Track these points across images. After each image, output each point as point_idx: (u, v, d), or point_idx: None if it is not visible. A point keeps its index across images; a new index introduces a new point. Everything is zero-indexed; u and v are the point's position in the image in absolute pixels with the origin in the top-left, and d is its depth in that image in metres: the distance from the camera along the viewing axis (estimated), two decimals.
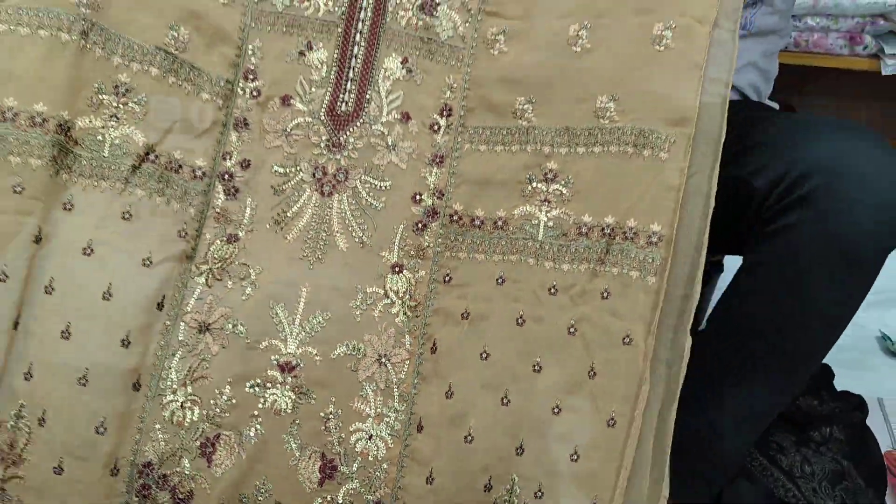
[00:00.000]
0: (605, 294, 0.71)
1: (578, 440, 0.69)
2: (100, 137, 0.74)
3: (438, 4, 0.78)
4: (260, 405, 0.72)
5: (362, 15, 0.78)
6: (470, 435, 0.71)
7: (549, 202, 0.75)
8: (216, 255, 0.75)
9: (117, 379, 0.71)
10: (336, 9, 0.78)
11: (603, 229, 0.72)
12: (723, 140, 0.70)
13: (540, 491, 0.69)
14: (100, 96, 0.74)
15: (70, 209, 0.72)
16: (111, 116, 0.74)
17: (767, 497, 0.94)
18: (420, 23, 0.78)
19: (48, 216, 0.71)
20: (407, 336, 0.75)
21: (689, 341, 0.68)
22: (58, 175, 0.72)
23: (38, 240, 0.70)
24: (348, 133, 0.78)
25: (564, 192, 0.74)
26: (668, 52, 0.71)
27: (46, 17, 0.71)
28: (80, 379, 0.69)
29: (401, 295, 0.76)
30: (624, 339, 0.69)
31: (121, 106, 0.75)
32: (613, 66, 0.74)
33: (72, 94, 0.72)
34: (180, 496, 0.69)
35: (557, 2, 0.76)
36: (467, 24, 0.78)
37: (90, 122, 0.74)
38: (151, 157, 0.75)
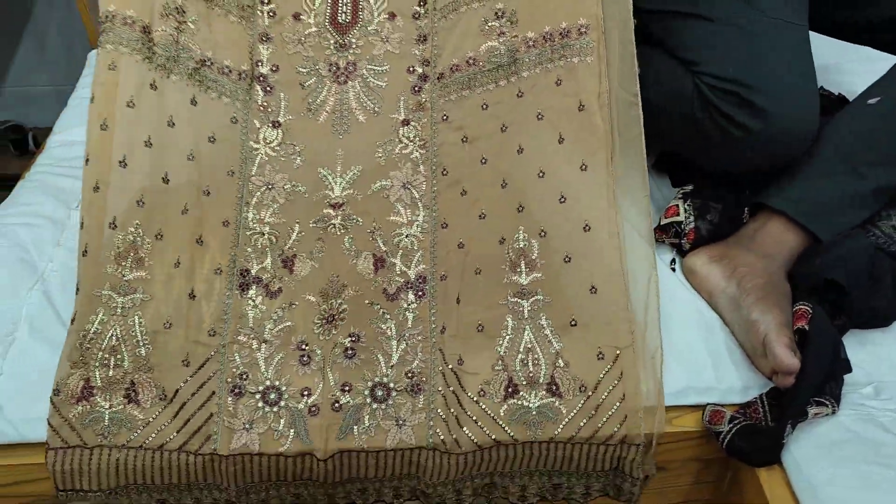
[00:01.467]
0: (558, 81, 0.91)
1: (562, 188, 0.88)
2: (171, 41, 0.92)
3: None
4: (321, 233, 0.91)
5: None
6: (482, 213, 0.91)
7: (502, 33, 0.95)
8: (266, 137, 0.95)
9: (207, 215, 0.89)
10: None
11: (544, 37, 0.93)
12: None
13: (542, 231, 0.87)
14: (166, 11, 0.92)
15: (154, 89, 0.89)
16: (175, 28, 0.93)
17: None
18: None
19: (141, 91, 0.88)
20: (421, 166, 0.95)
21: (637, 89, 0.87)
22: (143, 62, 0.89)
23: (131, 104, 0.87)
24: (350, 36, 1.00)
25: (511, 21, 0.95)
26: None
27: None
28: (181, 211, 0.87)
29: (412, 139, 0.96)
30: (578, 107, 0.89)
31: (181, 22, 0.93)
32: None
33: (150, 7, 0.91)
34: (272, 290, 0.88)
35: None
36: None
37: (163, 28, 0.91)
38: (207, 63, 0.94)
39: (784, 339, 0.80)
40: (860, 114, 0.96)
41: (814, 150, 0.94)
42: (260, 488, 0.81)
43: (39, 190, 1.04)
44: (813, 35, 1.08)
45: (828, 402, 0.78)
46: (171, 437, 0.79)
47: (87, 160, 0.85)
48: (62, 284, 0.90)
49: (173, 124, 0.90)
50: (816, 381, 0.79)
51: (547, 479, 0.82)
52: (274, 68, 0.98)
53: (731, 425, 0.79)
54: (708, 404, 0.83)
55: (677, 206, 0.98)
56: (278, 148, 0.95)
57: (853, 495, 0.72)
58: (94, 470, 0.77)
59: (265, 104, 0.97)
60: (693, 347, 0.87)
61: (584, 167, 0.88)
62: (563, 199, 0.88)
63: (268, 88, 0.97)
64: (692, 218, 0.97)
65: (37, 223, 0.98)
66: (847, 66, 1.26)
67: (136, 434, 0.78)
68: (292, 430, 0.80)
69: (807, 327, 0.81)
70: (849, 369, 0.82)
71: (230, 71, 0.96)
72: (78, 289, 0.81)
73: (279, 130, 0.96)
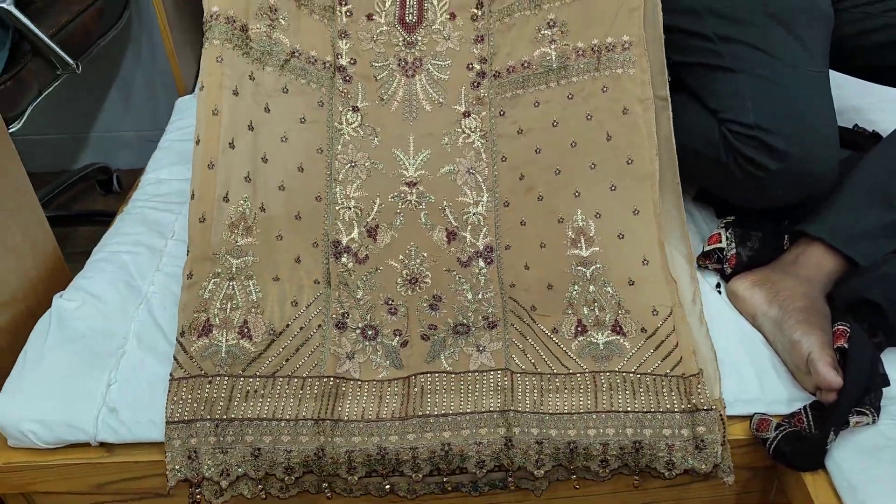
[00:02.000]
0: (605, 89, 1.05)
1: (612, 178, 1.01)
2: (264, 37, 1.05)
3: None
4: (399, 206, 1.04)
5: None
6: (540, 195, 1.04)
7: (554, 41, 1.08)
8: (348, 119, 1.08)
9: (302, 191, 1.02)
10: None
11: (592, 49, 1.06)
12: None
13: (597, 213, 1.00)
14: (260, 11, 1.05)
15: (252, 79, 1.02)
16: (269, 25, 1.06)
17: None
18: None
19: (242, 81, 1.01)
20: (483, 154, 1.08)
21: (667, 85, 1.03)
22: (242, 56, 1.02)
23: (235, 93, 1.00)
24: (416, 34, 1.13)
25: (562, 31, 1.09)
26: None
27: None
28: (279, 187, 1.00)
29: (473, 129, 1.09)
30: (623, 111, 1.03)
31: (273, 19, 1.06)
32: None
33: (246, 7, 1.04)
34: (360, 257, 1.01)
35: None
36: None
37: (258, 27, 1.04)
38: (296, 54, 1.07)
39: (827, 357, 0.86)
40: (893, 150, 1.03)
41: (850, 182, 1.01)
42: (354, 465, 0.85)
43: (138, 222, 1.15)
44: (849, 78, 1.15)
45: (868, 412, 0.84)
46: (281, 365, 0.90)
47: (197, 141, 0.98)
48: (163, 304, 0.99)
49: (269, 110, 1.03)
50: (857, 395, 0.84)
51: (627, 434, 0.86)
52: (352, 61, 1.11)
53: (776, 432, 0.85)
54: (755, 414, 0.89)
55: (719, 234, 1.06)
56: (358, 129, 1.08)
57: (891, 493, 0.77)
58: (210, 397, 0.86)
59: (345, 91, 1.10)
60: (739, 362, 0.93)
61: (629, 161, 1.02)
62: (613, 188, 1.02)
63: (347, 78, 1.10)
64: (733, 245, 1.04)
65: (138, 251, 1.08)
66: (881, 106, 1.33)
67: (249, 364, 0.89)
68: (388, 361, 0.92)
69: (846, 345, 0.87)
70: (887, 383, 0.87)
71: (316, 60, 1.09)
72: (189, 251, 0.94)
73: (358, 114, 1.09)
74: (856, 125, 1.23)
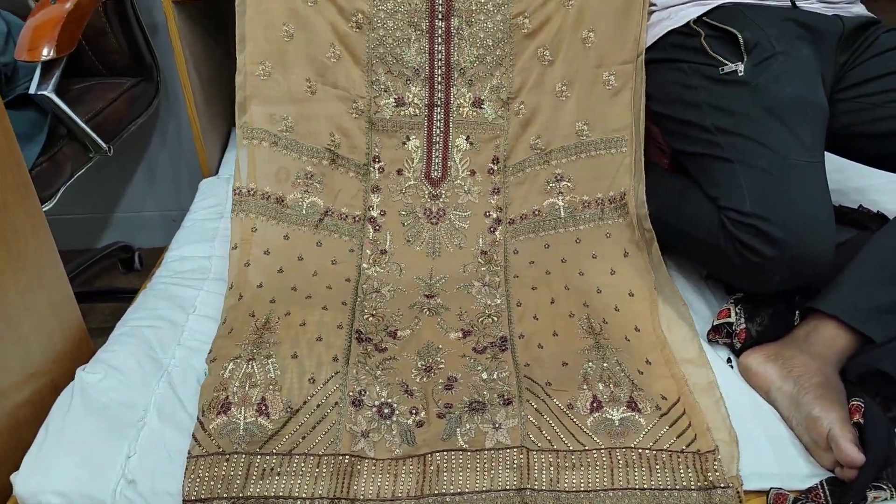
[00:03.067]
0: (608, 234, 1.19)
1: (617, 302, 1.12)
2: (299, 203, 1.21)
3: (483, 101, 1.29)
4: (418, 313, 1.12)
5: (437, 114, 1.29)
6: (552, 299, 1.14)
7: (562, 193, 1.24)
8: (375, 260, 1.20)
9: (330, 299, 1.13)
10: (420, 112, 1.28)
11: (597, 201, 1.22)
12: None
13: (605, 320, 1.08)
14: (297, 180, 1.22)
15: (287, 239, 1.17)
16: (304, 191, 1.22)
17: None
18: (474, 113, 1.29)
19: (274, 242, 1.16)
20: (497, 276, 1.18)
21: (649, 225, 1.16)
22: (278, 224, 1.18)
23: (267, 252, 1.16)
24: (440, 188, 1.28)
25: (570, 185, 1.24)
26: (613, 89, 1.24)
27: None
28: (306, 297, 1.12)
29: (489, 262, 1.21)
30: (624, 254, 1.17)
31: (309, 185, 1.22)
32: (583, 104, 1.26)
33: (280, 181, 1.21)
34: (379, 347, 1.05)
35: (552, 77, 1.26)
36: (502, 109, 1.28)
37: (293, 195, 1.21)
38: (329, 213, 1.22)
39: (848, 434, 0.86)
40: None
41: (861, 260, 1.03)
42: None
43: (160, 297, 1.17)
44: (851, 161, 1.19)
45: (886, 487, 0.83)
46: (298, 442, 0.90)
47: (230, 286, 1.11)
48: (184, 378, 1.01)
49: (301, 259, 1.17)
50: (875, 470, 0.84)
51: None
52: (382, 213, 1.25)
53: None
54: (771, 488, 0.88)
55: (729, 308, 1.08)
56: (386, 265, 1.20)
57: None
58: (227, 475, 0.86)
59: (375, 239, 1.23)
60: (754, 436, 0.93)
61: (631, 294, 1.13)
62: (617, 309, 1.11)
63: (377, 227, 1.24)
64: (742, 320, 1.06)
65: (160, 325, 1.10)
66: (883, 187, 1.37)
67: (266, 441, 0.90)
68: (402, 439, 0.92)
69: (862, 421, 0.88)
70: None
71: (347, 216, 1.23)
72: (217, 338, 1.03)
73: (386, 255, 1.21)
74: (860, 206, 1.26)
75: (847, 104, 1.14)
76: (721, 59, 1.12)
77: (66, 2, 1.23)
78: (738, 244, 1.02)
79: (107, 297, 1.70)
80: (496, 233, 1.23)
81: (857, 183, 1.38)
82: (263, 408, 0.92)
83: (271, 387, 0.95)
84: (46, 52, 1.19)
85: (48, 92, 1.22)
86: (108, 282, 1.82)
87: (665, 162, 1.30)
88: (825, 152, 1.12)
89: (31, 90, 1.21)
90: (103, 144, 1.34)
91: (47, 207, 1.24)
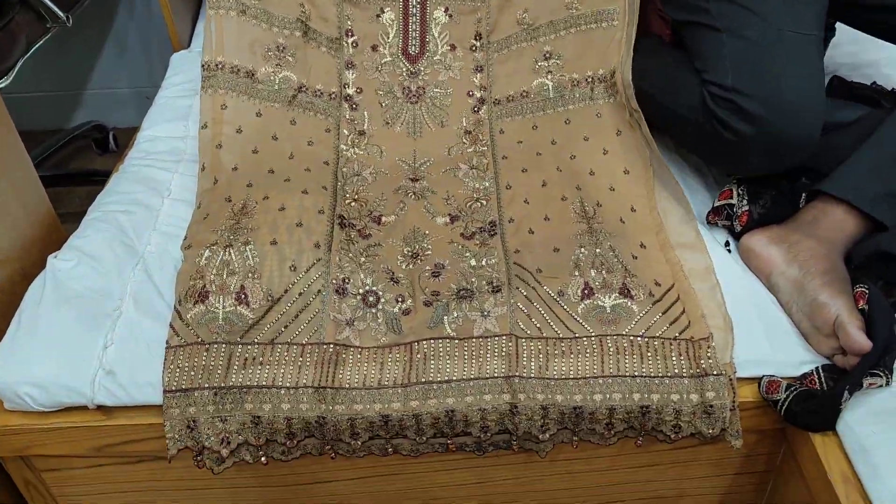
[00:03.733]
0: (599, 114, 1.13)
1: (611, 182, 1.06)
2: (271, 77, 1.14)
3: None
4: (403, 197, 1.06)
5: None
6: (544, 182, 1.08)
7: (551, 72, 1.17)
8: (354, 141, 1.14)
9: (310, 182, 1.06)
10: None
11: (587, 80, 1.15)
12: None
13: (598, 203, 1.03)
14: (268, 53, 1.14)
15: (260, 116, 1.11)
16: (276, 65, 1.14)
17: None
18: None
19: (246, 120, 1.10)
20: (484, 157, 1.12)
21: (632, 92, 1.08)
22: (249, 100, 1.11)
23: (239, 130, 1.09)
24: (419, 65, 1.21)
25: (559, 62, 1.17)
26: None
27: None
28: (285, 179, 1.05)
29: (475, 141, 1.15)
30: (617, 132, 1.11)
31: (281, 58, 1.15)
32: None
33: (251, 51, 1.14)
34: (364, 233, 1.01)
35: None
36: None
37: (265, 69, 1.13)
38: (303, 89, 1.15)
39: (856, 321, 0.84)
40: None
41: (875, 142, 0.98)
42: (357, 430, 0.84)
43: (134, 180, 1.12)
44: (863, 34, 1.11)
45: (882, 374, 0.82)
46: (280, 331, 0.88)
47: (202, 168, 1.05)
48: (160, 264, 0.97)
49: (276, 138, 1.10)
50: (877, 356, 0.82)
51: (634, 399, 0.84)
52: (358, 90, 1.18)
53: (787, 392, 0.83)
54: (763, 376, 0.87)
55: (731, 189, 1.03)
56: (365, 147, 1.14)
57: None
58: (207, 365, 0.84)
59: (352, 118, 1.16)
60: (749, 322, 0.91)
61: (626, 171, 1.07)
62: (612, 189, 1.05)
63: (353, 106, 1.17)
64: (745, 201, 1.01)
65: (134, 210, 1.06)
66: None
67: (247, 330, 0.87)
68: (387, 327, 0.90)
69: (866, 307, 0.85)
70: None
71: (322, 93, 1.17)
72: (192, 221, 0.99)
73: (364, 136, 1.15)
74: (874, 82, 1.19)
75: None
76: None
77: None
78: (716, 120, 0.97)
79: (81, 180, 1.64)
80: (480, 112, 1.17)
81: (871, 55, 1.30)
82: (243, 296, 0.89)
83: (250, 274, 0.91)
84: None
85: None
86: (83, 163, 1.75)
87: (667, 33, 1.21)
88: (837, 22, 1.04)
89: None
90: (60, 14, 1.24)
91: (4, 83, 1.16)
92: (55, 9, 1.23)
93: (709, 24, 1.01)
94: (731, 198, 1.02)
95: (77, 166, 1.74)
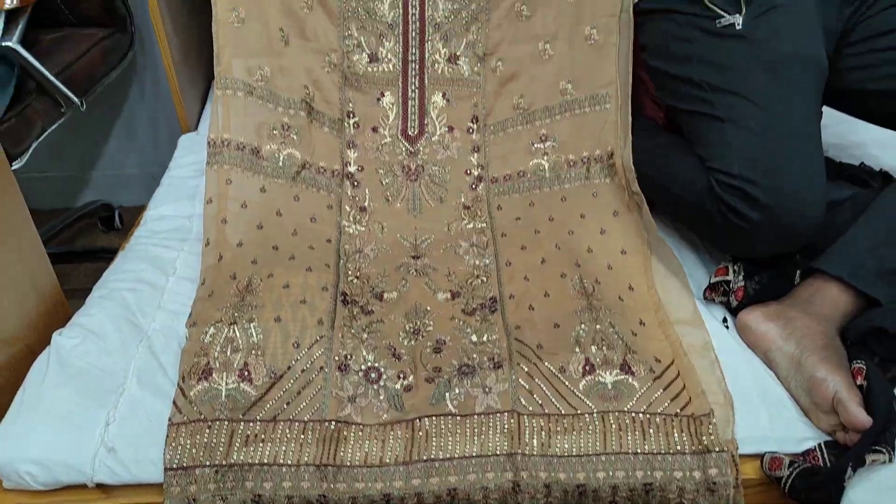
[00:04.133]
0: (595, 194, 1.16)
1: (609, 260, 1.08)
2: (276, 154, 1.16)
3: (459, 57, 1.26)
4: (405, 274, 1.08)
5: (411, 70, 1.26)
6: (543, 259, 1.10)
7: (546, 154, 1.21)
8: (356, 218, 1.17)
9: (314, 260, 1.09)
10: (394, 68, 1.25)
11: (583, 160, 1.19)
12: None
13: (597, 280, 1.05)
14: (273, 131, 1.17)
15: (264, 191, 1.13)
16: (281, 142, 1.17)
17: None
18: (449, 70, 1.26)
19: (251, 195, 1.12)
20: (484, 234, 1.15)
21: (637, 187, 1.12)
22: (254, 176, 1.13)
23: (244, 206, 1.11)
24: (418, 145, 1.25)
25: (554, 144, 1.22)
26: (595, 43, 1.21)
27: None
28: (289, 257, 1.07)
29: (474, 217, 1.18)
30: (614, 213, 1.14)
31: (286, 137, 1.18)
32: (565, 61, 1.23)
33: (257, 132, 1.16)
34: (366, 310, 1.02)
35: (531, 34, 1.24)
36: (478, 65, 1.26)
37: (270, 146, 1.16)
38: (307, 166, 1.18)
39: (855, 398, 0.84)
40: None
41: (867, 220, 1.01)
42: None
43: (140, 258, 1.14)
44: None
45: (884, 450, 0.82)
46: (283, 408, 0.88)
47: (207, 243, 1.06)
48: (164, 342, 0.98)
49: (280, 214, 1.12)
50: (877, 433, 0.82)
51: (637, 476, 0.84)
52: (359, 168, 1.22)
53: (790, 469, 0.83)
54: (766, 453, 0.87)
55: (727, 266, 1.05)
56: (366, 224, 1.16)
57: None
58: (209, 443, 0.84)
59: (354, 195, 1.19)
60: (749, 398, 0.91)
61: (623, 252, 1.09)
62: (610, 267, 1.07)
63: (355, 183, 1.20)
64: (741, 277, 1.03)
65: (139, 288, 1.07)
66: (885, 142, 1.32)
67: (250, 408, 0.87)
68: (389, 404, 0.90)
69: (864, 383, 0.86)
70: None
71: (325, 170, 1.19)
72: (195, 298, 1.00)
73: (366, 213, 1.17)
74: (862, 163, 1.23)
75: (852, 59, 1.09)
76: (718, 10, 1.07)
77: None
78: (725, 207, 0.99)
79: (87, 258, 1.65)
80: (478, 189, 1.21)
81: (858, 137, 1.34)
82: (246, 373, 0.90)
83: (254, 351, 0.92)
84: (9, 1, 1.12)
85: (13, 43, 1.16)
86: (89, 241, 1.77)
87: (660, 116, 1.26)
88: (827, 107, 1.08)
89: None
90: (75, 99, 1.28)
91: (18, 165, 1.19)
92: (70, 95, 1.27)
93: (710, 114, 1.04)
94: (727, 274, 1.04)
95: (83, 244, 1.76)
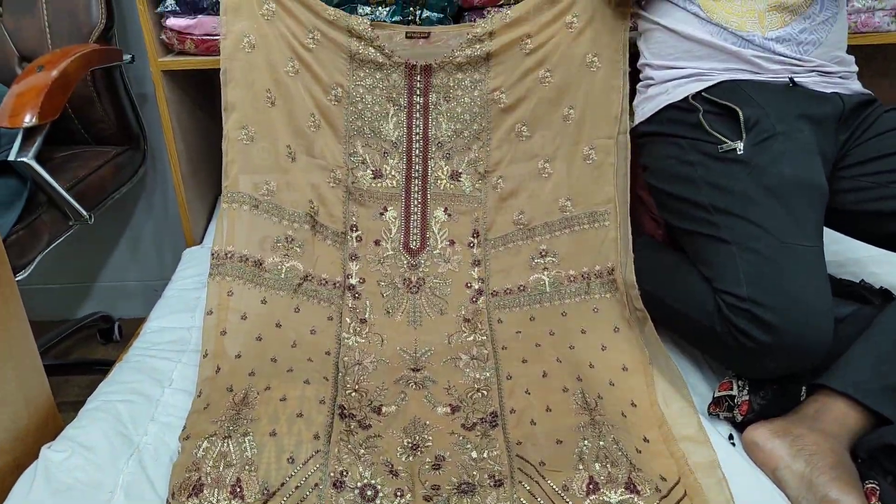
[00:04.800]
0: (595, 310, 1.17)
1: (611, 377, 1.07)
2: (279, 267, 1.19)
3: (461, 174, 1.30)
4: (404, 387, 1.06)
5: (414, 186, 1.30)
6: (545, 373, 1.08)
7: (547, 269, 1.23)
8: (356, 329, 1.16)
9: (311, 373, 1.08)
10: (397, 184, 1.29)
11: (583, 275, 1.22)
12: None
13: (600, 396, 1.03)
14: (277, 244, 1.21)
15: (265, 303, 1.15)
16: (284, 255, 1.20)
17: None
18: (451, 186, 1.30)
19: (251, 307, 1.14)
20: (485, 347, 1.13)
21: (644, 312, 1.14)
22: (255, 288, 1.15)
23: (244, 318, 1.13)
24: (419, 258, 1.27)
25: (555, 260, 1.24)
26: (594, 163, 1.26)
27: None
28: (287, 370, 1.07)
29: (474, 330, 1.17)
30: (614, 329, 1.15)
31: (289, 249, 1.21)
32: (564, 179, 1.27)
33: (261, 245, 1.20)
34: (363, 424, 0.99)
35: (531, 153, 1.29)
36: (479, 182, 1.30)
37: (272, 259, 1.19)
38: (309, 278, 1.20)
39: None
40: None
41: (871, 337, 1.00)
42: None
43: (136, 370, 1.12)
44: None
45: None
46: None
47: (205, 354, 1.07)
48: (155, 456, 0.95)
49: (280, 325, 1.13)
50: None
51: None
52: (361, 280, 1.23)
53: None
54: None
55: (731, 381, 1.03)
56: (366, 336, 1.16)
57: None
58: None
59: (354, 307, 1.19)
60: None
61: (625, 368, 1.09)
62: (612, 384, 1.06)
63: (356, 295, 1.21)
64: (745, 391, 1.01)
65: (133, 399, 1.04)
66: (882, 258, 1.35)
67: None
68: None
69: None
70: None
71: (327, 282, 1.21)
72: (191, 412, 0.98)
73: (366, 325, 1.18)
74: (862, 280, 1.24)
75: (849, 182, 1.13)
76: (720, 136, 1.10)
77: (53, 69, 1.22)
78: (734, 328, 0.99)
79: (83, 370, 1.63)
80: (478, 302, 1.21)
81: (854, 254, 1.36)
82: (238, 489, 0.87)
83: (247, 467, 0.89)
84: (28, 119, 1.17)
85: (28, 158, 1.19)
86: (86, 353, 1.76)
87: (659, 234, 1.28)
88: (825, 227, 1.10)
89: (11, 157, 1.18)
90: (84, 212, 1.30)
91: (22, 276, 1.20)
92: (80, 208, 1.30)
93: (716, 236, 1.05)
94: (731, 389, 1.03)
95: (80, 355, 1.75)
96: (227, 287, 1.14)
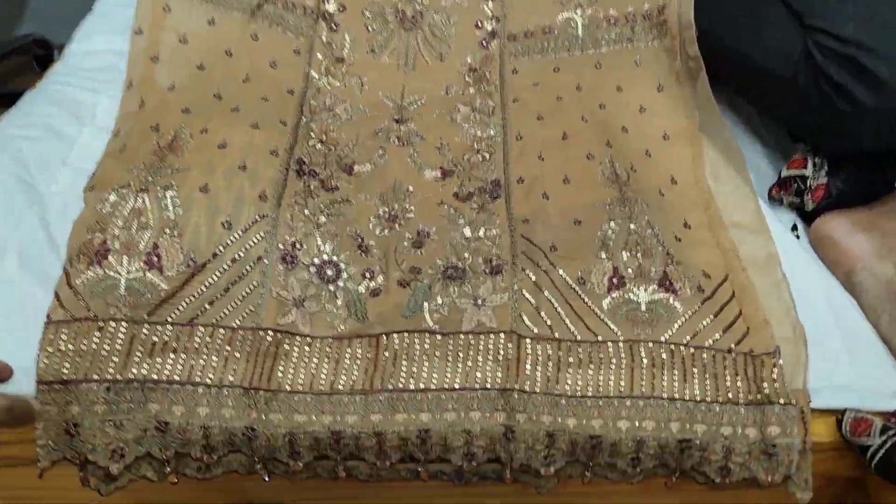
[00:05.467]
0: (637, 62, 0.98)
1: (648, 147, 0.90)
2: None
3: None
4: (383, 143, 0.90)
5: None
6: (565, 134, 0.92)
7: (581, 7, 1.01)
8: (328, 69, 0.97)
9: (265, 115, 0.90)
10: None
11: (626, 17, 0.99)
12: None
13: (633, 167, 0.87)
14: None
15: (212, 24, 0.95)
16: None
17: None
18: None
19: (194, 28, 0.95)
20: (490, 98, 0.96)
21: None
22: (201, 3, 0.96)
23: (184, 40, 0.94)
24: None
25: None
26: None
27: None
28: (232, 109, 0.89)
29: (480, 80, 0.98)
30: (658, 88, 0.95)
31: None
32: None
33: None
34: (328, 186, 0.83)
35: None
36: None
37: None
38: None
39: None
40: None
41: None
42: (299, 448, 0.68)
43: (51, 101, 0.94)
44: None
45: None
46: (203, 309, 0.72)
47: (129, 85, 0.90)
48: (63, 210, 0.79)
49: (231, 54, 0.95)
50: None
51: (672, 429, 0.68)
52: (341, 7, 1.01)
53: (883, 437, 0.65)
54: (846, 409, 0.69)
55: (805, 158, 0.87)
56: (342, 78, 0.97)
57: None
58: (98, 350, 0.67)
59: (329, 40, 0.99)
60: (824, 335, 0.75)
61: (666, 137, 0.91)
62: (648, 154, 0.90)
63: (333, 26, 1.00)
64: (823, 172, 0.86)
65: (43, 137, 0.87)
66: None
67: (158, 306, 0.71)
68: (348, 312, 0.74)
69: None
70: None
71: (295, 6, 1.00)
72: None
73: (343, 64, 0.98)
74: None
75: None
76: None
77: None
78: (826, 82, 0.81)
79: (14, 100, 1.44)
80: (490, 47, 1.01)
81: None
82: (155, 259, 0.73)
83: (168, 230, 0.75)
84: None
85: None
86: (23, 83, 1.54)
87: None
88: None
89: None
90: None
91: None
92: None
93: None
94: (804, 167, 0.88)
95: (15, 85, 1.53)
96: (163, 1, 0.94)
